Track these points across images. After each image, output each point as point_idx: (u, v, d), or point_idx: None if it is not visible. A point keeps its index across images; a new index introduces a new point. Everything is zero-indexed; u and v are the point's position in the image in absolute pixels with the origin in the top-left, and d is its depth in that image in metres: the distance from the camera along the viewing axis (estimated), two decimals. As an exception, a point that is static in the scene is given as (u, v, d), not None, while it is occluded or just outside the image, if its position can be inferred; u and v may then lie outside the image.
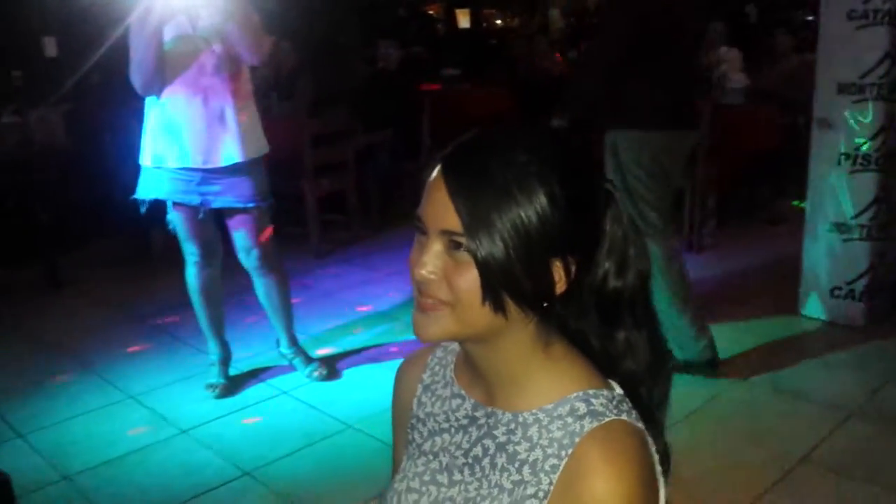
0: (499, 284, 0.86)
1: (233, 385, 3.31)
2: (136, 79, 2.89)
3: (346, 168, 5.01)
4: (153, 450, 2.91)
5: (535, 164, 0.86)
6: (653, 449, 0.92)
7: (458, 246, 0.87)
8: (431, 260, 0.88)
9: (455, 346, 1.07)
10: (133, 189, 3.05)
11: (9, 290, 4.44)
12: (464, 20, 9.74)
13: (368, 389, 3.27)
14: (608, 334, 0.97)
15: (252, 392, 3.31)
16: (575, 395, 0.91)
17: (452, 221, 0.86)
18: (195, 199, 3.01)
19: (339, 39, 5.82)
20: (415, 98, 5.54)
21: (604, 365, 0.97)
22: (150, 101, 2.98)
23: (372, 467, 2.64)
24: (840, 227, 3.65)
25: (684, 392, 3.19)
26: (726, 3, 9.01)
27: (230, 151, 2.98)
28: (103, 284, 4.56)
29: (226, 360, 3.35)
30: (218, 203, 3.04)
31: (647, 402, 0.98)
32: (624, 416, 0.90)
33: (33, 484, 2.68)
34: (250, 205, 3.07)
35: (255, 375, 3.43)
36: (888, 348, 3.51)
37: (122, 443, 2.94)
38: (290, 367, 3.42)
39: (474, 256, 0.85)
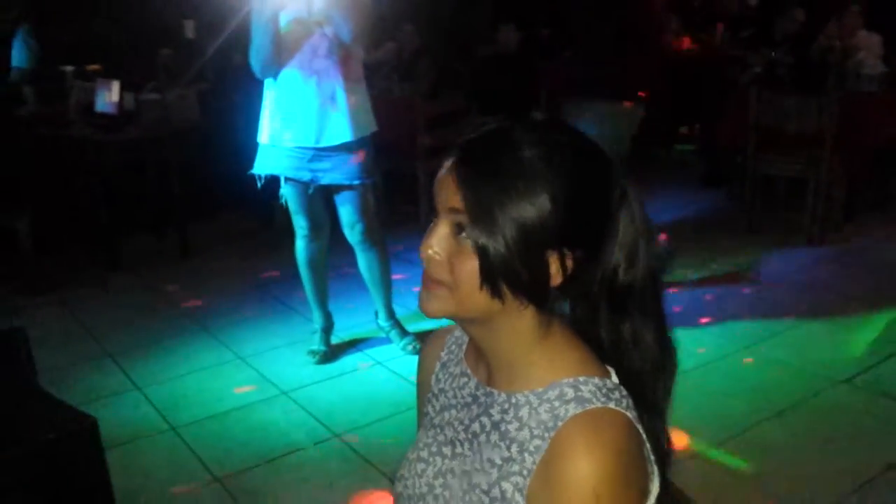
0: (496, 273, 0.91)
1: (332, 353, 3.49)
2: (255, 62, 3.09)
3: (460, 149, 5.09)
4: (255, 408, 3.13)
5: (544, 163, 0.90)
6: (643, 438, 0.94)
7: (461, 230, 0.92)
8: (437, 241, 0.94)
9: None
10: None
11: (144, 256, 4.83)
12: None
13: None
14: (616, 326, 0.99)
15: (349, 360, 3.48)
16: (566, 380, 0.95)
17: (458, 205, 0.92)
18: (306, 176, 3.18)
19: (462, 22, 5.90)
20: (533, 79, 5.55)
21: (611, 357, 1.00)
22: (267, 83, 3.18)
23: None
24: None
25: (780, 390, 3.11)
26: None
27: (340, 131, 3.13)
28: (227, 253, 4.88)
29: (328, 328, 3.53)
30: (326, 179, 3.20)
31: (653, 397, 1.00)
32: (611, 405, 0.93)
33: (144, 431, 2.95)
34: (356, 182, 3.22)
35: (353, 345, 3.60)
36: None
37: (227, 399, 3.18)
38: (387, 339, 3.57)
39: (475, 244, 0.91)
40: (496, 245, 0.90)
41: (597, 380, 0.95)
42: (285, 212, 3.38)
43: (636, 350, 0.99)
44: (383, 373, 3.36)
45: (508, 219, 0.89)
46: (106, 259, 4.64)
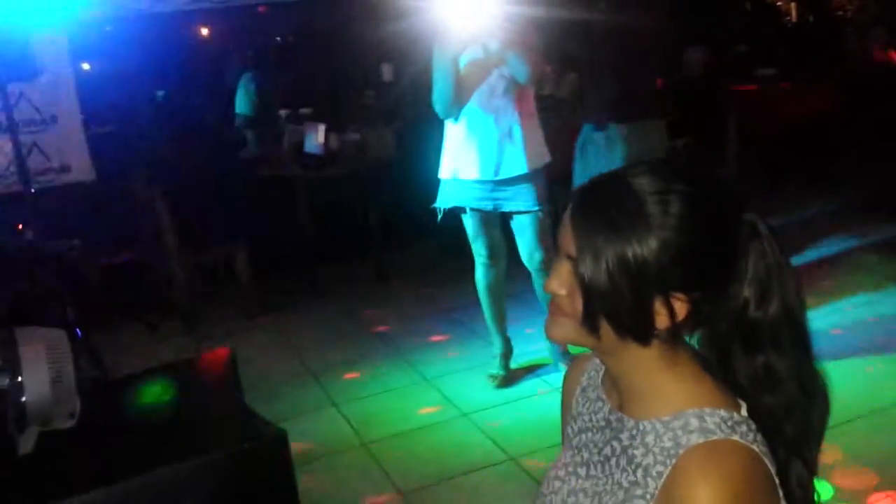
0: (599, 310, 0.97)
1: (511, 377, 3.63)
2: (438, 105, 3.37)
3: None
4: (436, 428, 3.33)
5: (654, 209, 0.94)
6: (771, 472, 0.95)
7: (575, 272, 0.99)
8: (557, 278, 1.02)
9: None
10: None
11: (344, 282, 5.25)
12: (800, 11, 9.09)
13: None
14: (748, 361, 1.01)
15: (528, 385, 3.60)
16: (691, 411, 0.98)
17: (572, 251, 0.99)
18: (489, 206, 3.40)
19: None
20: (721, 102, 5.43)
21: (745, 392, 1.01)
22: (447, 122, 3.44)
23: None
24: None
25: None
26: None
27: (517, 163, 3.32)
28: (418, 280, 5.19)
29: (507, 353, 3.68)
30: (507, 207, 3.39)
31: (790, 436, 1.01)
32: (736, 437, 0.95)
33: (338, 446, 3.24)
34: (534, 209, 3.38)
35: (532, 370, 3.72)
36: None
37: (412, 419, 3.41)
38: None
39: (581, 280, 0.97)
40: (599, 283, 0.95)
41: (723, 412, 0.97)
42: (467, 243, 3.60)
43: (770, 386, 1.01)
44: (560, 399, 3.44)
45: (614, 260, 0.94)
46: (312, 286, 5.09)
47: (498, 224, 3.50)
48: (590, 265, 0.96)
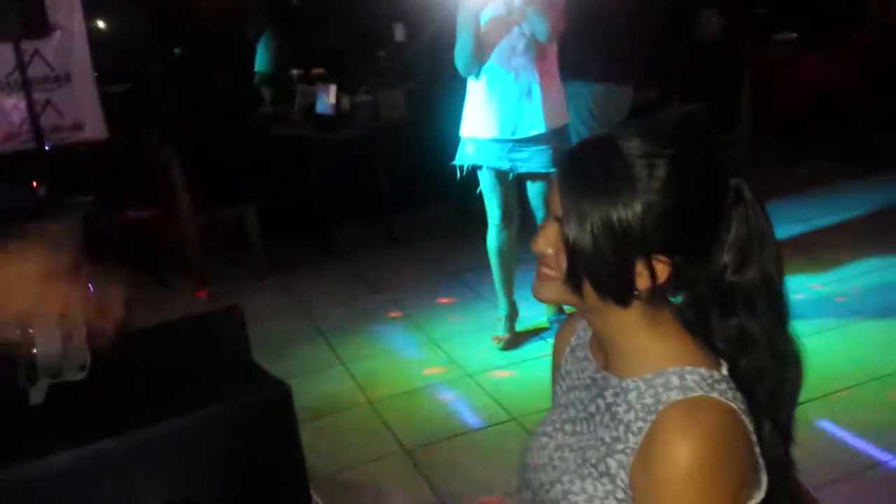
0: (582, 270, 1.00)
1: (516, 340, 3.68)
2: (459, 61, 3.37)
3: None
4: (442, 388, 3.39)
5: (641, 172, 0.96)
6: (748, 429, 0.98)
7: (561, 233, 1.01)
8: (544, 238, 1.05)
9: None
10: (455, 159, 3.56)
11: (355, 244, 5.29)
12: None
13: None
14: (724, 323, 1.05)
15: (532, 348, 3.64)
16: (672, 369, 1.02)
17: (559, 212, 1.01)
18: (506, 165, 3.43)
19: (654, 13, 5.80)
20: (736, 67, 5.38)
21: (723, 352, 1.04)
22: (470, 80, 3.45)
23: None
24: None
25: None
26: None
27: (535, 123, 3.35)
28: (428, 243, 5.22)
29: (512, 316, 3.72)
30: (524, 168, 3.42)
31: (763, 399, 1.04)
32: (715, 395, 0.98)
33: (345, 403, 3.31)
34: (552, 170, 3.40)
35: (536, 334, 3.76)
36: None
37: (417, 379, 3.47)
38: (569, 330, 3.70)
39: (565, 241, 1.00)
40: (584, 245, 0.97)
41: (703, 370, 1.01)
42: (481, 204, 3.63)
43: (744, 349, 1.04)
44: (563, 361, 3.50)
45: (598, 222, 0.96)
46: (322, 247, 5.14)
47: (514, 185, 3.53)
48: (575, 226, 0.98)
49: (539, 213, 3.53)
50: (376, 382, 3.46)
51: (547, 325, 3.79)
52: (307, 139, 5.06)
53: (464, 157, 3.50)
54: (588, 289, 1.02)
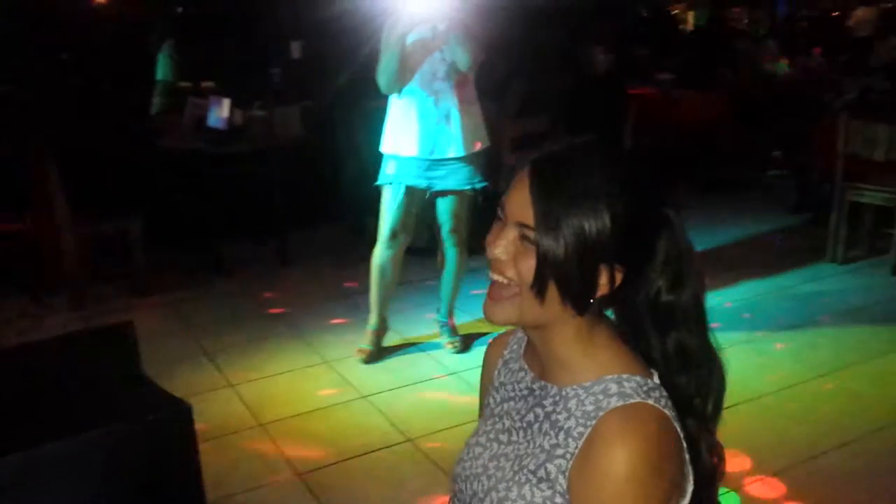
0: (551, 276, 1.03)
1: (378, 354, 3.73)
2: (381, 79, 3.43)
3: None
4: (336, 409, 3.35)
5: (607, 185, 1.02)
6: (680, 436, 1.04)
7: (527, 238, 1.04)
8: (504, 244, 1.06)
9: None
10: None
11: (246, 262, 5.16)
12: (699, 20, 9.47)
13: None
14: (660, 338, 1.10)
15: (427, 369, 3.66)
16: (610, 377, 1.06)
17: (528, 217, 1.03)
18: (423, 183, 3.51)
19: (548, 48, 6.02)
20: (622, 102, 5.62)
21: (656, 364, 1.10)
22: (391, 98, 3.51)
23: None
24: None
25: (853, 417, 3.10)
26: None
27: (453, 147, 3.45)
28: (322, 263, 5.15)
29: (380, 332, 3.77)
30: (441, 185, 3.52)
31: (700, 411, 1.10)
32: (650, 402, 1.03)
33: (233, 427, 3.21)
34: (466, 188, 3.54)
35: (426, 352, 3.80)
36: None
37: (311, 400, 3.41)
38: (462, 352, 3.76)
39: (537, 249, 1.03)
40: (556, 251, 1.01)
41: (639, 378, 1.06)
42: (375, 224, 3.66)
43: (682, 363, 1.09)
44: (459, 383, 3.53)
45: (571, 231, 1.01)
46: (211, 264, 4.99)
47: (420, 202, 3.59)
48: (549, 234, 1.02)
49: (446, 227, 3.63)
50: (268, 405, 3.38)
51: (431, 340, 3.85)
52: (199, 152, 4.91)
53: (385, 177, 3.55)
54: (551, 295, 1.04)
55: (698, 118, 6.11)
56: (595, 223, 1.00)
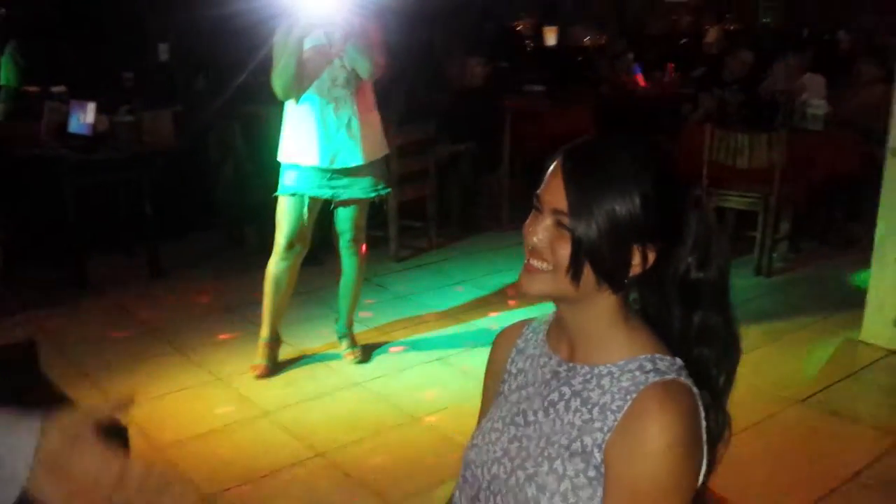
0: (586, 258, 1.08)
1: (275, 368, 3.61)
2: (278, 84, 3.28)
3: (427, 177, 5.25)
4: (237, 428, 3.19)
5: (635, 168, 1.08)
6: (703, 414, 1.09)
7: (562, 224, 1.09)
8: (542, 231, 1.11)
9: (548, 317, 1.30)
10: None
11: (114, 276, 4.81)
12: (551, 37, 9.85)
13: (435, 386, 3.51)
14: (687, 316, 1.15)
15: (328, 380, 3.56)
16: (644, 356, 1.12)
17: (562, 203, 1.09)
18: (327, 193, 3.41)
19: (431, 55, 6.07)
20: (499, 113, 5.74)
21: (678, 346, 1.14)
22: (288, 104, 3.37)
23: (439, 456, 2.90)
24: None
25: (741, 409, 3.29)
26: (818, 28, 8.95)
27: (353, 155, 3.37)
28: (200, 275, 4.89)
29: (273, 344, 3.63)
30: (345, 195, 3.44)
31: (716, 384, 1.15)
32: (683, 378, 1.09)
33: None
34: (371, 195, 3.49)
35: (325, 363, 3.71)
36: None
37: (209, 420, 3.23)
38: (364, 361, 3.69)
39: (572, 233, 1.08)
40: (590, 235, 1.07)
41: (669, 358, 1.12)
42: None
43: (706, 339, 1.14)
44: (364, 393, 3.45)
45: (603, 214, 1.06)
46: (75, 279, 4.63)
47: (317, 212, 3.50)
48: (582, 218, 1.07)
49: (346, 236, 3.55)
50: (161, 426, 3.16)
51: (341, 355, 3.74)
52: (60, 159, 4.55)
53: (284, 188, 3.41)
54: (586, 276, 1.09)
55: (564, 130, 6.32)
56: (626, 205, 1.06)
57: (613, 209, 1.06)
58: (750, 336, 4.02)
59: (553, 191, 1.10)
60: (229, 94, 4.81)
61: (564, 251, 1.09)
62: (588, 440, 1.10)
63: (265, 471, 2.89)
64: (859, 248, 5.16)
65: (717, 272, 1.14)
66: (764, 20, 10.98)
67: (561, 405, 1.15)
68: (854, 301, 4.11)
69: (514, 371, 1.28)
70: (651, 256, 1.11)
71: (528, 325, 1.33)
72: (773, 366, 3.72)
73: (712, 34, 6.91)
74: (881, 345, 3.82)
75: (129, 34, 5.74)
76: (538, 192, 1.13)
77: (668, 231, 1.11)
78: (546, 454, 1.12)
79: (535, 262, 1.12)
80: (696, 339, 1.14)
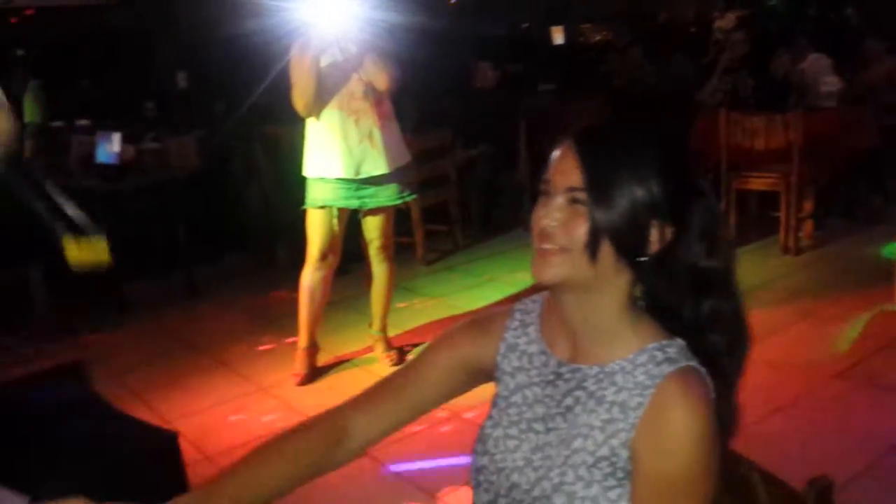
0: (605, 233, 1.06)
1: (314, 375, 3.69)
2: (299, 103, 3.39)
3: (447, 181, 5.34)
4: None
5: (647, 146, 1.09)
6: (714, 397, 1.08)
7: (576, 201, 1.07)
8: (553, 212, 1.08)
9: (536, 310, 1.25)
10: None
11: (153, 299, 4.95)
12: (558, 37, 9.88)
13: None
14: (698, 304, 1.13)
15: (368, 383, 3.57)
16: (651, 346, 1.10)
17: (576, 180, 1.07)
18: (354, 203, 3.50)
19: (442, 63, 6.16)
20: (512, 113, 5.81)
21: (693, 335, 1.12)
22: (310, 121, 3.47)
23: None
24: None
25: (776, 389, 3.31)
26: (824, 4, 8.93)
27: (378, 164, 3.46)
28: (235, 293, 5.01)
29: (311, 351, 3.72)
30: (373, 203, 3.53)
31: (728, 371, 1.13)
32: (693, 363, 1.09)
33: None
34: (397, 202, 3.58)
35: (362, 367, 3.79)
36: None
37: (256, 428, 3.32)
38: (399, 363, 3.75)
39: (590, 209, 1.06)
40: (608, 211, 1.05)
41: (673, 341, 1.11)
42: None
43: (716, 327, 1.13)
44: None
45: (621, 190, 1.05)
46: (115, 304, 4.75)
47: (346, 223, 3.59)
48: (600, 192, 1.06)
49: (376, 243, 3.64)
50: (210, 436, 3.26)
51: (377, 358, 3.83)
52: (90, 190, 4.68)
53: (313, 200, 3.51)
54: (604, 256, 1.07)
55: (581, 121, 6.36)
56: (641, 179, 1.06)
57: (630, 182, 1.05)
58: (782, 314, 4.04)
59: (564, 170, 1.08)
60: (248, 116, 4.92)
61: (581, 229, 1.06)
62: (613, 441, 1.08)
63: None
64: (885, 220, 5.19)
65: (724, 261, 1.13)
66: (770, 2, 10.93)
67: (578, 408, 1.13)
68: (884, 273, 4.11)
69: (508, 370, 1.24)
70: (668, 233, 1.09)
71: (510, 316, 1.27)
72: (806, 343, 3.74)
73: (728, 20, 6.90)
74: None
75: (146, 64, 5.88)
76: (546, 175, 1.11)
77: (681, 212, 1.10)
78: (570, 462, 1.10)
79: (549, 246, 1.09)
80: (707, 327, 1.13)
